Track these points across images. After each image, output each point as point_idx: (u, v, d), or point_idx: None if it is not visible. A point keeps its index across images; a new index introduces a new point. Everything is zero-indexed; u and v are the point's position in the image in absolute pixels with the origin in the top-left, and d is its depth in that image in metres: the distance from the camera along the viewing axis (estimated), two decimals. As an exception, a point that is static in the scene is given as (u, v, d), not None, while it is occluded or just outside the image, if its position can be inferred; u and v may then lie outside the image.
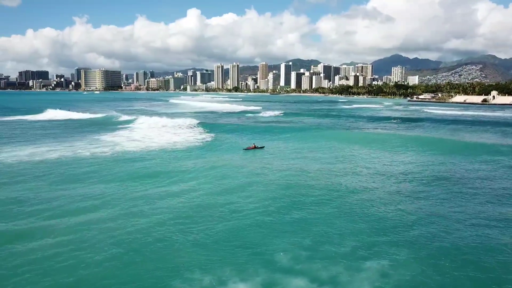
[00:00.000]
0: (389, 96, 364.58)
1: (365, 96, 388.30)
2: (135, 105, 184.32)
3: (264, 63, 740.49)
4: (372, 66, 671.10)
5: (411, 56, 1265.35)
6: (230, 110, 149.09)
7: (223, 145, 54.68)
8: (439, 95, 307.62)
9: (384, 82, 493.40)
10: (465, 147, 57.30)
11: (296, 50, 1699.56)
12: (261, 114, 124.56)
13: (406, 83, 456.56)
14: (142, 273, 17.48)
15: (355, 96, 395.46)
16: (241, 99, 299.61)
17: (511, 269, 18.49)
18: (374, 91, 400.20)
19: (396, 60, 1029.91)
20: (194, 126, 76.32)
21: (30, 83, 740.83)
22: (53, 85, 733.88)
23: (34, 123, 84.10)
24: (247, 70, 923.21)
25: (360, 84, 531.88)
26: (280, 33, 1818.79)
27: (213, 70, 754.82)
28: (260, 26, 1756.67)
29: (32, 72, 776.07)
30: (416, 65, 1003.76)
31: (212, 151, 49.16)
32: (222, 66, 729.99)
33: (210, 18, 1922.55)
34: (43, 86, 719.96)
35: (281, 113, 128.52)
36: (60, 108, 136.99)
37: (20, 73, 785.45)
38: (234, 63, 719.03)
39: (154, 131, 67.86)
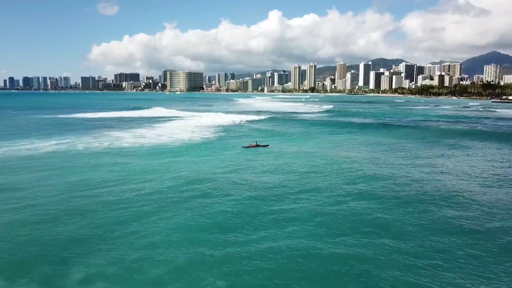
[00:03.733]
0: (474, 97, 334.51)
1: (446, 97, 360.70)
2: (199, 104, 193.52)
3: (342, 62, 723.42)
4: (460, 65, 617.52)
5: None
6: (287, 110, 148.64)
7: (222, 144, 53.77)
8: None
9: (471, 82, 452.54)
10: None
11: (379, 49, 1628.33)
12: (311, 115, 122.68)
13: (498, 83, 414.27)
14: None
15: (433, 97, 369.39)
16: (317, 100, 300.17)
17: None
18: (458, 91, 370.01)
19: (493, 57, 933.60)
20: (220, 126, 78.19)
21: (123, 84, 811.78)
22: (142, 86, 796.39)
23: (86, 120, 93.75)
24: (328, 70, 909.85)
25: (446, 84, 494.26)
26: (362, 32, 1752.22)
27: (291, 71, 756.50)
28: (342, 26, 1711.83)
29: (125, 74, 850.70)
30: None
31: (205, 150, 48.52)
32: (299, 67, 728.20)
33: (291, 19, 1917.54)
34: (134, 87, 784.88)
35: (331, 114, 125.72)
36: (128, 107, 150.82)
37: (116, 75, 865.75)
38: (311, 64, 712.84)
39: (176, 129, 71.16)
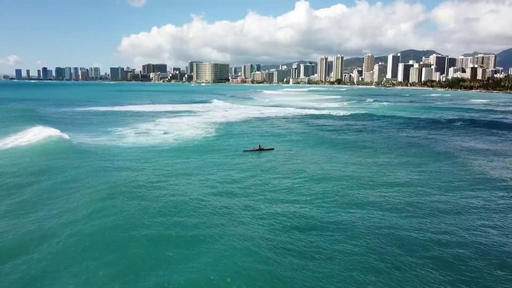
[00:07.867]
0: (509, 91, 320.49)
1: (477, 91, 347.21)
2: (216, 97, 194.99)
3: (369, 54, 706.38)
4: (495, 56, 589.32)
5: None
6: (303, 105, 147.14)
7: (220, 146, 53.01)
8: None
9: (506, 75, 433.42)
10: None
11: (409, 40, 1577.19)
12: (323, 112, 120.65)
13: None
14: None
15: (460, 90, 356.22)
16: (336, 93, 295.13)
17: None
18: (490, 85, 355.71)
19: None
20: (225, 123, 79.19)
21: (151, 75, 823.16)
22: (169, 77, 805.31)
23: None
24: (355, 62, 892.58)
25: (479, 77, 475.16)
26: (392, 23, 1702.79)
27: (317, 63, 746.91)
28: (370, 17, 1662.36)
29: (153, 65, 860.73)
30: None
31: (200, 152, 47.80)
32: (326, 59, 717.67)
33: (318, 9, 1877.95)
34: (161, 78, 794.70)
35: (340, 113, 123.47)
36: (153, 101, 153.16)
37: (144, 66, 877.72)
38: (338, 55, 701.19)
39: (183, 124, 72.54)
